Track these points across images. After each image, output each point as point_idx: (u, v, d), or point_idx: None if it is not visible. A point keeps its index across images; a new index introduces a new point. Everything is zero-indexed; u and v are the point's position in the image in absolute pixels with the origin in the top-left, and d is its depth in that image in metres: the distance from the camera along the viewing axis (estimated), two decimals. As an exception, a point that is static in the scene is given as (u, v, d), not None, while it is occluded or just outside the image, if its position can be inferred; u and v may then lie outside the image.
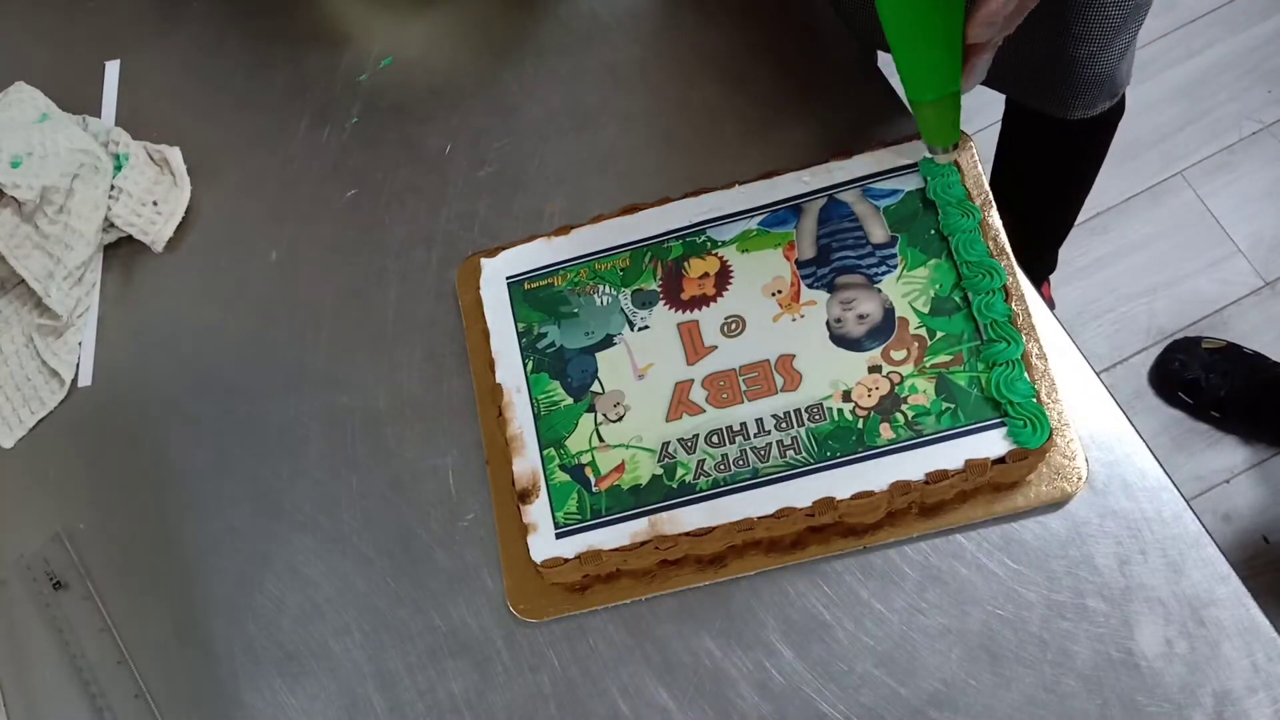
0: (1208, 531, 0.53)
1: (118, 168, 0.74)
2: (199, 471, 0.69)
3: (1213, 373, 1.28)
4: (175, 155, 0.76)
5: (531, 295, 0.64)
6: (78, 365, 0.73)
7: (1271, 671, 0.50)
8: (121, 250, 0.76)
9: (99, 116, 0.79)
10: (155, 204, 0.74)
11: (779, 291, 0.60)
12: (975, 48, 0.49)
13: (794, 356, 0.58)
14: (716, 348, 0.60)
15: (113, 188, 0.73)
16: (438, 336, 0.67)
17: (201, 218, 0.76)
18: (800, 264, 0.60)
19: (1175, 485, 0.54)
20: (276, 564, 0.65)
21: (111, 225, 0.74)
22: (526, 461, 0.60)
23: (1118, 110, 0.90)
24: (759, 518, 0.55)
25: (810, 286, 0.59)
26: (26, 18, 0.87)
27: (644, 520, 0.57)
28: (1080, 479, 0.54)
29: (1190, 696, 0.51)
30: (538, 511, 0.59)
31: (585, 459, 0.59)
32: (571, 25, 0.71)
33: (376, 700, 0.60)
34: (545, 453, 0.60)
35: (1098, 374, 0.57)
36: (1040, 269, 1.34)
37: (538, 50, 0.72)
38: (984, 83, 0.65)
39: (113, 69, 0.82)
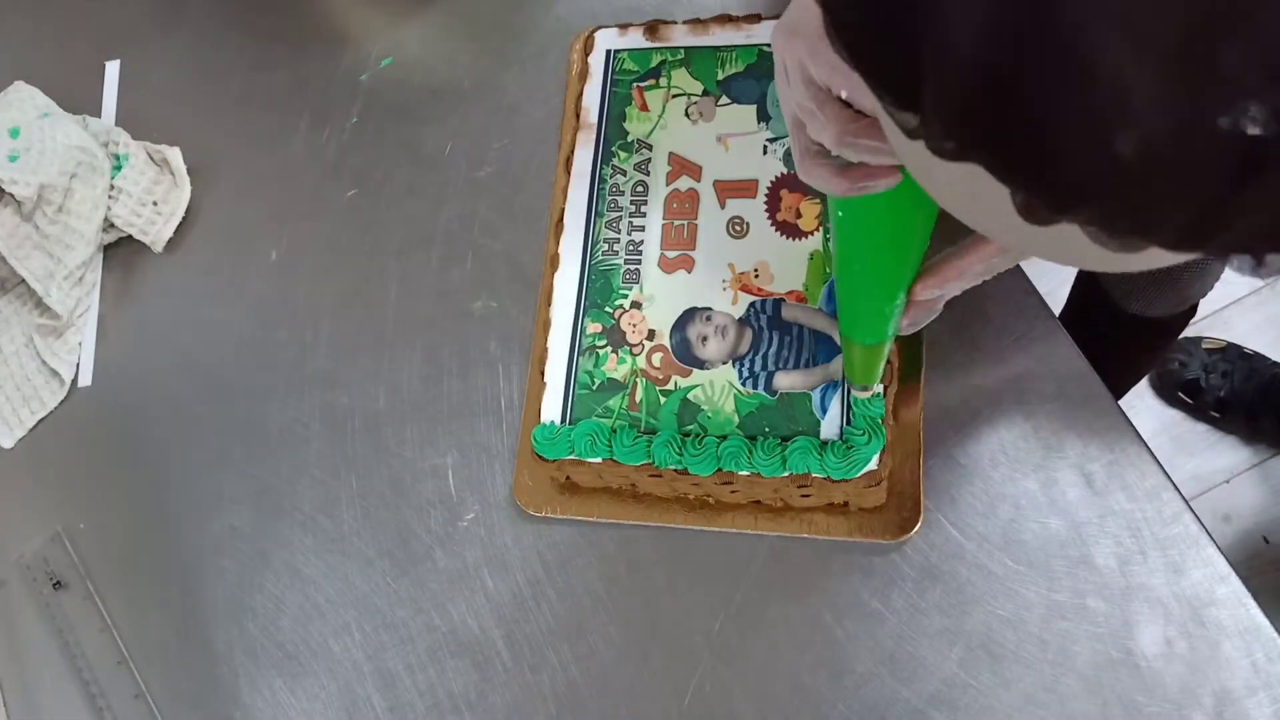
0: (1207, 532, 0.53)
1: (117, 168, 0.74)
2: (199, 471, 0.69)
3: (1213, 373, 1.27)
4: (175, 155, 0.76)
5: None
6: (78, 365, 0.73)
7: (1271, 671, 0.50)
8: (121, 250, 0.76)
9: (99, 116, 0.79)
10: (155, 204, 0.74)
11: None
12: (918, 303, 0.46)
13: None
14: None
15: (112, 188, 0.73)
16: (438, 336, 0.67)
17: (201, 218, 0.76)
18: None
19: (1175, 485, 0.54)
20: (276, 564, 0.65)
21: (111, 225, 0.74)
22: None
23: (1185, 315, 0.88)
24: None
25: None
26: (26, 18, 0.87)
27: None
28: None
29: (1190, 696, 0.51)
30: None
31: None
32: (572, 25, 0.71)
33: (376, 700, 0.60)
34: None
35: (1099, 374, 0.57)
36: None
37: (538, 50, 0.72)
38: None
39: (113, 69, 0.82)
